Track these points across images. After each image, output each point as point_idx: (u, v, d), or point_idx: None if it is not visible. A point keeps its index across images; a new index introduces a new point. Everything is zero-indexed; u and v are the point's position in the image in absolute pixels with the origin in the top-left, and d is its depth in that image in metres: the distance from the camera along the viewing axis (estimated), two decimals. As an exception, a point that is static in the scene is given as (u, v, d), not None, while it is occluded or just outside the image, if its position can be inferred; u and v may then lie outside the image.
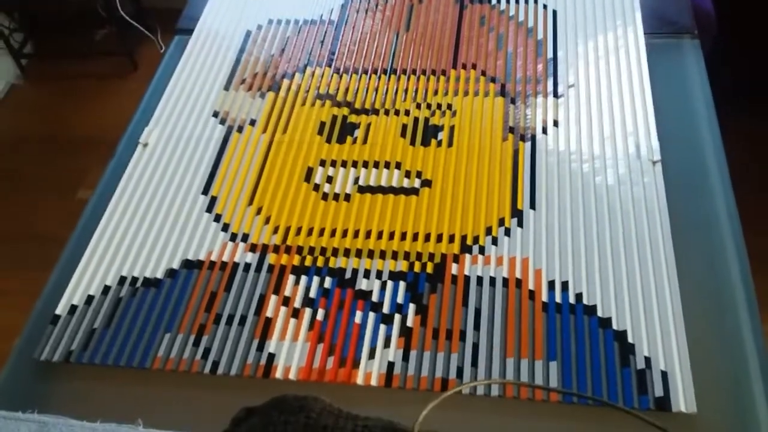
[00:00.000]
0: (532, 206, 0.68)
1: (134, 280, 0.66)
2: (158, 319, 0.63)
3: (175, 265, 0.67)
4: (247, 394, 0.58)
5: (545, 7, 0.86)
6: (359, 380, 0.58)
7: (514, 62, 0.81)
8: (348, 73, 0.82)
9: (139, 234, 0.70)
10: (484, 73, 0.80)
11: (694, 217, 0.66)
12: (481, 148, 0.73)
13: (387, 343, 0.60)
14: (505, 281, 0.63)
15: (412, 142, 0.74)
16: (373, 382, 0.58)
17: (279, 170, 0.74)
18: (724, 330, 0.59)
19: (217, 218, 0.70)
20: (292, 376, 0.59)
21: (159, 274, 0.66)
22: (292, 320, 0.62)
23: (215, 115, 0.80)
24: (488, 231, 0.66)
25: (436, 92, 0.79)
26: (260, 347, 0.61)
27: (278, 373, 0.59)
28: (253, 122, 0.78)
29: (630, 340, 0.58)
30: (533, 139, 0.73)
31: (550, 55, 0.81)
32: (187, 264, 0.67)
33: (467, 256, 0.65)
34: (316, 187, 0.72)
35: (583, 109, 0.75)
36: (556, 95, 0.77)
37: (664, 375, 0.56)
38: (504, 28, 0.85)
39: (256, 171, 0.74)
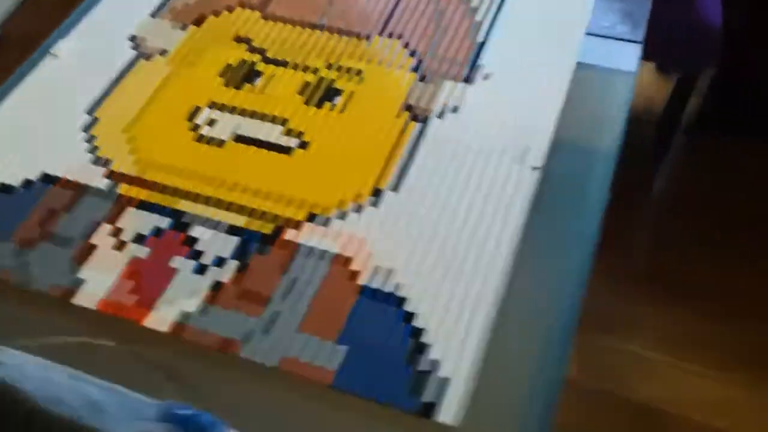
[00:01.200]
0: (395, 188, 0.65)
1: (-10, 183, 0.67)
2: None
3: (33, 177, 0.67)
4: (51, 312, 0.59)
5: (497, -11, 0.81)
6: (148, 323, 0.57)
7: (440, 41, 0.76)
8: (275, 20, 0.80)
9: (11, 139, 0.71)
10: (406, 45, 0.76)
11: (552, 233, 0.62)
12: (371, 120, 0.70)
13: (193, 294, 0.59)
14: (334, 258, 0.60)
15: (307, 102, 0.72)
16: (162, 327, 0.57)
17: (166, 104, 0.73)
18: (530, 352, 0.55)
19: (90, 139, 0.70)
20: (89, 304, 0.59)
21: (15, 182, 0.67)
22: (115, 252, 0.62)
23: (132, 39, 0.79)
24: (340, 204, 0.64)
25: (351, 56, 0.76)
26: (74, 271, 0.61)
27: (78, 299, 0.59)
28: (163, 52, 0.78)
29: (426, 340, 0.55)
30: (425, 120, 0.69)
31: (481, 39, 0.76)
32: (45, 178, 0.67)
33: (309, 225, 0.63)
34: (195, 128, 0.71)
35: (489, 99, 0.71)
36: (467, 81, 0.72)
37: (444, 382, 0.53)
38: (446, 3, 0.80)
39: (145, 100, 0.73)
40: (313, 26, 0.79)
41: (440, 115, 0.70)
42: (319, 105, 0.72)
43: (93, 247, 0.62)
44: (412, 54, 0.76)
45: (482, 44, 0.76)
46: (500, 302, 0.57)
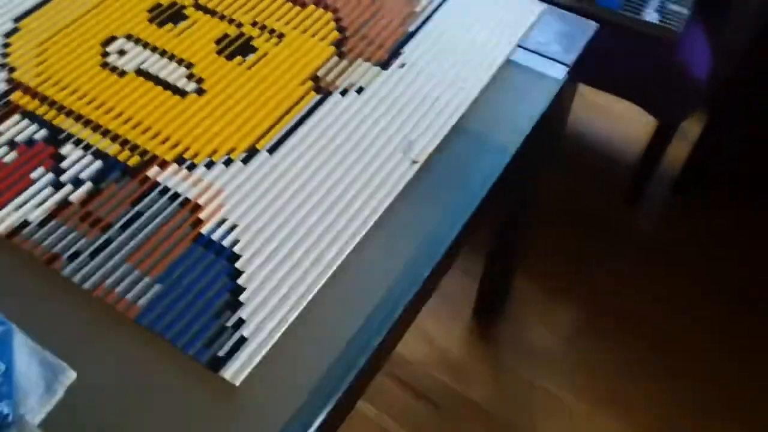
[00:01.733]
0: (271, 151, 0.65)
1: None
2: None
3: (-64, 66, 0.69)
4: None
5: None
6: (-13, 223, 0.58)
7: (371, 22, 0.76)
8: (222, -28, 0.81)
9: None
10: (337, 21, 0.76)
11: (413, 221, 0.61)
12: (273, 82, 0.70)
13: (38, 204, 0.60)
14: (185, 201, 0.61)
15: (219, 52, 0.72)
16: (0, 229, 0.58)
17: (87, 28, 0.74)
18: (345, 330, 0.54)
19: (5, 45, 0.72)
20: (-62, 193, 0.60)
21: None
22: (-18, 152, 0.63)
23: (79, -40, 0.80)
24: (212, 154, 0.64)
25: (279, 18, 0.76)
26: (-63, 159, 0.62)
27: (-70, 186, 0.60)
28: (104, -21, 0.79)
29: (242, 299, 0.55)
30: (327, 95, 0.69)
31: (412, 29, 0.76)
32: (-53, 70, 0.69)
33: (174, 166, 0.63)
34: (105, 54, 0.72)
35: (395, 88, 0.70)
36: (383, 66, 0.72)
37: (241, 341, 0.53)
38: (391, -12, 0.80)
39: (70, 19, 0.74)
40: (257, -16, 0.80)
41: (343, 93, 0.69)
42: (229, 57, 0.72)
43: (-36, 142, 0.63)
44: (340, 30, 0.75)
45: (412, 34, 0.75)
46: (333, 279, 0.57)
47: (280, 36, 0.74)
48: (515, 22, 0.77)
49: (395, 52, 0.73)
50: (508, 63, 0.74)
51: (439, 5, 0.78)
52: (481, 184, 0.64)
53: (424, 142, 0.66)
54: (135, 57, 0.71)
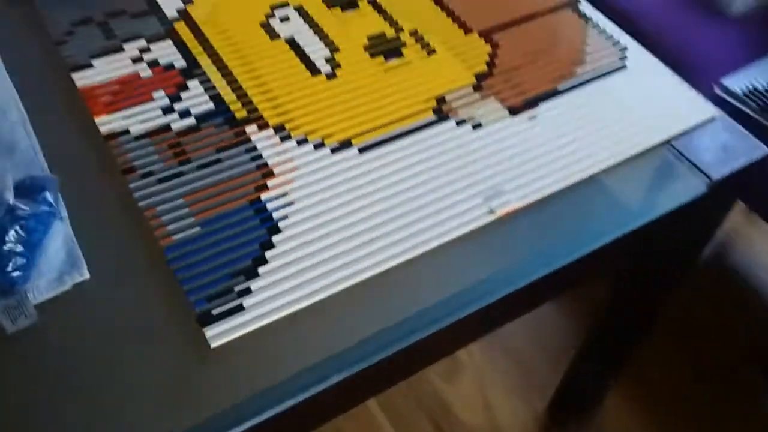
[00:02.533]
0: (362, 150, 0.65)
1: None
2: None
3: (132, -20, 0.77)
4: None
5: None
6: (98, 120, 0.64)
7: (526, 68, 0.73)
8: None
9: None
10: (492, 56, 0.74)
11: (463, 267, 0.58)
12: (400, 90, 0.70)
13: (143, 121, 0.65)
14: (262, 165, 0.62)
15: (368, 47, 0.74)
16: (102, 130, 0.64)
17: (266, -13, 0.79)
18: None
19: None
20: (78, 82, 0.67)
21: (118, -23, 0.77)
22: (129, 61, 0.69)
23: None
24: (309, 133, 0.65)
25: (439, 35, 0.76)
26: (92, 57, 0.69)
27: (76, 75, 0.67)
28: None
29: (261, 270, 0.56)
30: (442, 119, 0.68)
31: (562, 87, 0.72)
32: None
33: (271, 131, 0.65)
34: (270, 16, 0.76)
35: (513, 137, 0.67)
36: (512, 112, 0.69)
37: (239, 308, 0.53)
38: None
39: (255, -24, 0.80)
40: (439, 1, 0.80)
41: (459, 123, 0.68)
42: (373, 55, 0.73)
43: (120, 48, 0.70)
44: (489, 65, 0.73)
45: (558, 92, 0.71)
46: (359, 288, 0.55)
47: (431, 51, 0.74)
48: (677, 117, 0.70)
49: (531, 104, 0.70)
50: (649, 153, 0.68)
51: (605, 74, 0.74)
52: (559, 255, 0.59)
53: (513, 197, 0.62)
54: (293, 27, 0.75)
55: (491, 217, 0.61)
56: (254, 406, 0.49)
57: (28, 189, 0.56)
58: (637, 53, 0.77)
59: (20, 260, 0.52)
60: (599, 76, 0.74)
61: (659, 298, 0.89)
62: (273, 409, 0.50)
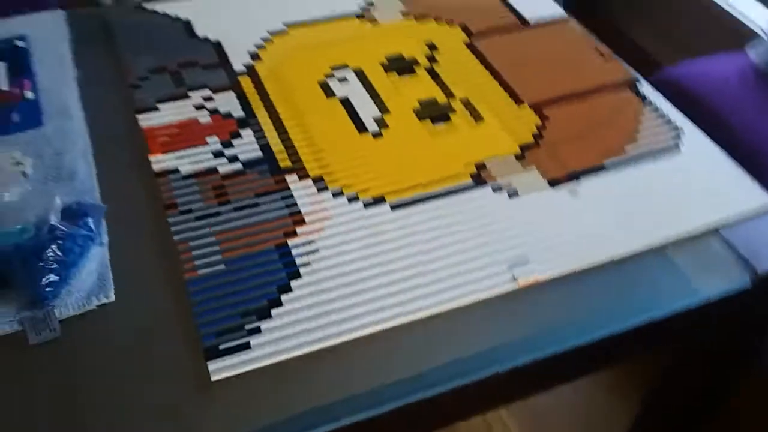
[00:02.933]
0: (394, 208, 0.66)
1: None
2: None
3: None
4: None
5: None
6: (153, 159, 0.68)
7: (573, 143, 0.73)
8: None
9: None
10: (540, 128, 0.75)
11: (481, 333, 0.57)
12: (443, 152, 0.71)
13: (193, 162, 0.68)
14: (295, 212, 0.65)
15: (417, 111, 0.76)
16: (155, 168, 0.68)
17: (335, 50, 0.83)
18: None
19: (266, 40, 0.84)
20: (143, 123, 0.72)
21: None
22: (193, 108, 0.74)
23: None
24: (346, 186, 0.67)
25: (489, 103, 0.77)
26: (156, 101, 0.75)
27: (141, 116, 0.73)
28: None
29: (273, 312, 0.57)
30: (479, 184, 0.68)
31: (607, 163, 0.71)
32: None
33: (310, 181, 0.67)
34: (330, 76, 0.79)
35: (548, 209, 0.66)
36: (551, 184, 0.69)
37: (245, 346, 0.55)
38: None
39: (327, 39, 0.84)
40: (517, 64, 0.82)
41: (496, 189, 0.68)
42: (421, 118, 0.75)
43: (186, 95, 0.76)
44: (536, 137, 0.74)
45: (602, 168, 0.70)
46: (367, 341, 0.56)
47: (478, 119, 0.75)
48: (729, 204, 0.68)
49: (574, 177, 0.69)
50: (694, 239, 0.65)
51: (656, 155, 0.72)
52: (579, 332, 0.58)
53: (538, 268, 0.61)
54: (349, 87, 0.78)
55: (513, 285, 0.60)
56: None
57: (73, 213, 0.60)
58: (693, 136, 0.75)
59: (53, 277, 0.56)
60: (650, 157, 0.72)
61: (711, 395, 0.84)
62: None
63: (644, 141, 0.74)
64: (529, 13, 0.91)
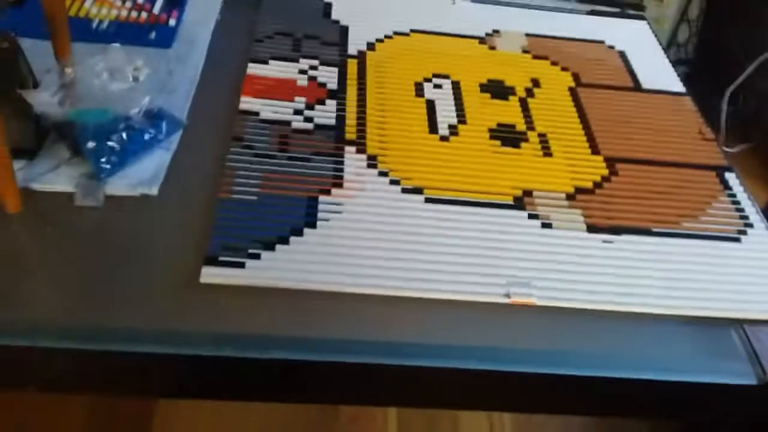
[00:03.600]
0: (428, 201, 0.69)
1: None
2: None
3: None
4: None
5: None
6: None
7: (626, 200, 0.72)
8: (591, 86, 0.86)
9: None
10: (605, 179, 0.75)
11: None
12: (496, 171, 0.73)
13: (273, 111, 0.76)
14: (339, 176, 0.70)
15: (491, 131, 0.79)
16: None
17: (447, 59, 0.88)
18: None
19: (379, 40, 0.90)
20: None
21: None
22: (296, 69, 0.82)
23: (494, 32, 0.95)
24: (392, 170, 0.71)
25: (563, 141, 0.78)
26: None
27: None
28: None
29: (278, 248, 0.62)
30: (518, 208, 0.70)
31: (658, 229, 0.70)
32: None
33: (361, 156, 0.72)
34: (428, 80, 0.84)
35: (564, 248, 0.67)
36: (589, 230, 0.69)
37: (239, 264, 0.60)
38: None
39: (441, 47, 0.89)
40: (610, 119, 0.82)
41: (531, 217, 0.69)
42: (492, 138, 0.78)
43: (296, 60, 0.84)
44: (597, 184, 0.74)
45: (651, 232, 0.69)
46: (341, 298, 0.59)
47: (547, 154, 0.77)
48: (763, 303, 0.64)
49: (615, 231, 0.69)
50: (716, 324, 0.63)
51: (712, 238, 0.70)
52: (550, 362, 0.58)
53: (536, 294, 0.62)
54: (439, 93, 0.83)
55: (504, 300, 0.61)
56: (205, 338, 0.55)
57: (154, 115, 0.69)
58: (761, 233, 0.71)
59: (113, 158, 0.65)
60: (704, 237, 0.70)
61: None
62: (210, 348, 0.55)
63: (705, 222, 0.72)
64: (648, 83, 0.91)
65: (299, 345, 0.56)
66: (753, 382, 0.59)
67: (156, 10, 0.87)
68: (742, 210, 0.74)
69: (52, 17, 0.66)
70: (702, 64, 1.93)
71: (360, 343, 0.57)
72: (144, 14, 0.86)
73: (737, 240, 0.70)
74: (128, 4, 0.87)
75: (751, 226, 0.72)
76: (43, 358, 0.56)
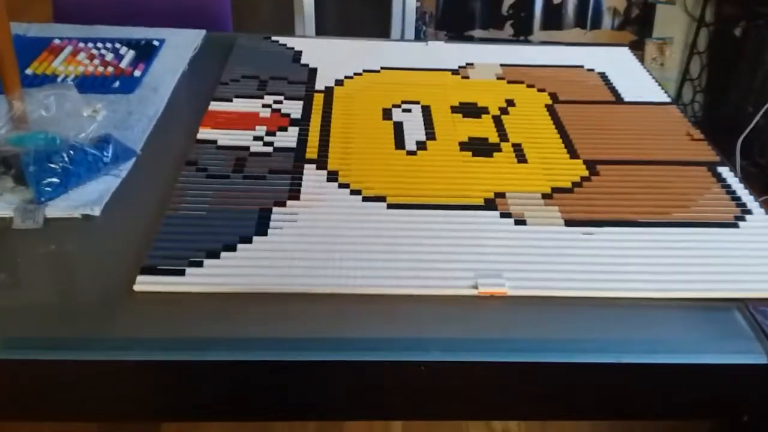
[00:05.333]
0: (392, 208, 0.64)
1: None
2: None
3: (307, 61, 0.91)
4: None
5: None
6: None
7: (605, 198, 0.67)
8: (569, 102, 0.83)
9: (332, 44, 0.95)
10: (586, 180, 0.69)
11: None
12: (470, 174, 0.69)
13: (231, 138, 0.73)
14: (295, 191, 0.66)
15: (463, 143, 0.75)
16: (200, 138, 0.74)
17: (413, 88, 0.85)
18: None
19: (350, 77, 0.89)
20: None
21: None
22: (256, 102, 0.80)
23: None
24: (341, 175, 0.67)
25: (538, 148, 0.73)
26: (233, 92, 0.82)
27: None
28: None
29: (222, 255, 0.57)
30: (488, 208, 0.65)
31: (644, 220, 0.64)
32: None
33: (315, 171, 0.69)
34: (396, 106, 0.82)
35: (539, 242, 0.61)
36: (567, 224, 0.63)
37: (178, 272, 0.55)
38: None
39: (405, 78, 0.87)
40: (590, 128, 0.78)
41: (503, 215, 0.64)
42: (462, 149, 0.74)
43: (261, 97, 0.82)
44: (575, 184, 0.68)
45: (637, 223, 0.63)
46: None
47: (521, 161, 0.72)
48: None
49: (596, 224, 0.63)
50: (717, 306, 0.56)
51: (707, 225, 0.63)
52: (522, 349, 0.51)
53: (507, 284, 0.55)
54: (408, 116, 0.80)
55: (471, 292, 0.55)
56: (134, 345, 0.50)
57: (102, 140, 0.67)
58: (761, 218, 0.65)
59: (54, 180, 0.62)
60: (698, 225, 0.63)
61: None
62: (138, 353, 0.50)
63: (698, 210, 0.65)
64: (630, 96, 0.87)
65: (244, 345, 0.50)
66: (764, 361, 0.51)
67: (123, 64, 0.87)
68: (738, 198, 0.68)
69: (-3, 50, 0.66)
70: (710, 122, 1.90)
71: (311, 340, 0.51)
72: (110, 69, 0.86)
73: (735, 226, 0.64)
74: (96, 62, 0.87)
75: (749, 212, 0.66)
76: None
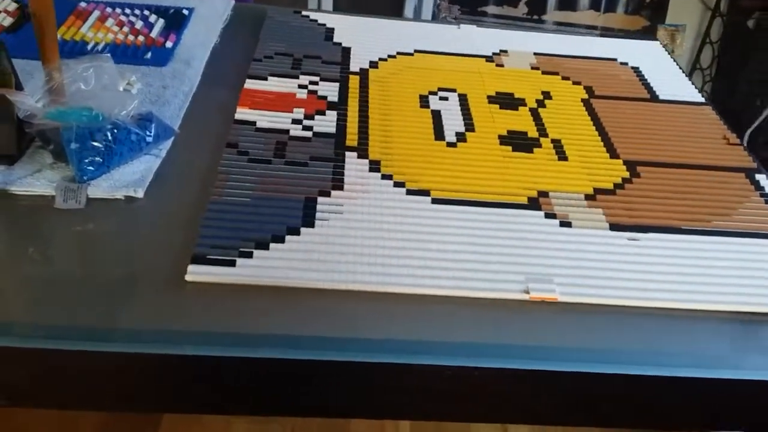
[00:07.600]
0: (435, 202, 0.64)
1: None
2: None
3: (341, 40, 0.89)
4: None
5: None
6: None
7: (644, 201, 0.67)
8: (605, 98, 0.82)
9: (365, 24, 0.93)
10: (627, 181, 0.69)
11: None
12: (513, 175, 0.68)
13: (270, 120, 0.72)
14: (339, 180, 0.65)
15: (503, 136, 0.74)
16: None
17: (450, 75, 0.84)
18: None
19: (391, 56, 0.88)
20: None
21: (332, 36, 0.90)
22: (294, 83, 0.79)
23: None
24: (391, 173, 0.67)
25: (581, 147, 0.73)
26: (268, 71, 0.81)
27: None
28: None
29: (272, 246, 0.57)
30: (533, 208, 0.64)
31: (686, 226, 0.64)
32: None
33: (365, 162, 0.68)
34: (434, 93, 0.81)
35: (589, 245, 0.61)
36: (612, 228, 0.63)
37: (230, 262, 0.55)
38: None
39: (441, 64, 0.86)
40: (628, 126, 0.78)
41: (548, 216, 0.64)
42: (502, 143, 0.73)
43: (296, 76, 0.81)
44: (617, 185, 0.68)
45: (681, 230, 0.63)
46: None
47: (562, 158, 0.72)
48: None
49: (641, 229, 0.63)
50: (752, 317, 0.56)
51: (746, 235, 0.64)
52: (574, 358, 0.51)
53: (557, 290, 0.55)
54: (445, 105, 0.79)
55: (522, 296, 0.55)
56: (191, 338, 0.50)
57: (143, 118, 0.65)
58: (801, 232, 0.65)
59: (97, 159, 0.61)
60: (739, 235, 0.64)
61: None
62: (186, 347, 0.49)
63: (738, 219, 0.66)
64: (664, 95, 0.87)
65: (292, 343, 0.50)
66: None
67: (154, 34, 0.85)
68: (777, 208, 0.68)
69: (38, 18, 0.64)
70: (717, 113, 1.90)
71: (357, 341, 0.51)
72: (141, 38, 0.84)
73: (774, 237, 0.64)
74: (125, 29, 0.85)
75: (789, 224, 0.66)
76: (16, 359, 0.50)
